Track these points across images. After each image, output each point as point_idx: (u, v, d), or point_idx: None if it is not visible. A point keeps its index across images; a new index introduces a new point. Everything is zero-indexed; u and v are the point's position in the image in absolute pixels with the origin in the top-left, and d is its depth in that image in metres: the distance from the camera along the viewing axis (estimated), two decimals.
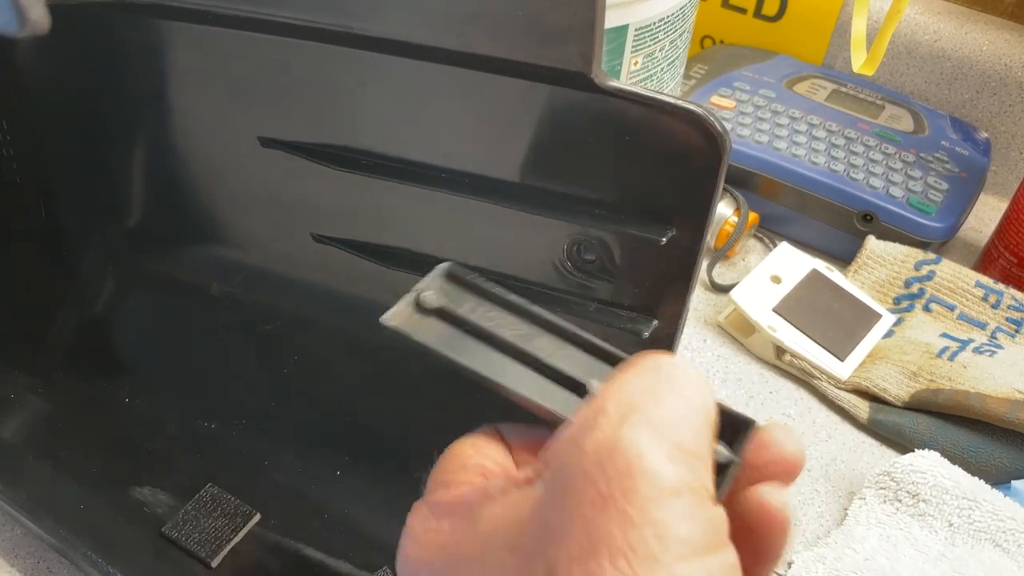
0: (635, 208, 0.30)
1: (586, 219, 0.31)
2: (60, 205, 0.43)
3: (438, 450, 0.25)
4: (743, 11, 0.65)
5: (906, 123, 0.58)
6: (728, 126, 0.56)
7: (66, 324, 0.44)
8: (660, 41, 0.37)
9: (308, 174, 0.35)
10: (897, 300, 0.51)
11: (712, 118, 0.28)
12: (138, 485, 0.39)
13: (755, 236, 0.57)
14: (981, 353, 0.47)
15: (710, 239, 0.54)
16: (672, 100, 0.28)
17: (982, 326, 0.49)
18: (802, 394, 0.48)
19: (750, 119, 0.57)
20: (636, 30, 0.35)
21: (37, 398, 0.42)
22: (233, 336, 0.41)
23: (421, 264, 0.37)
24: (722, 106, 0.58)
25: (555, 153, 0.30)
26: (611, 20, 0.34)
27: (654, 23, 0.36)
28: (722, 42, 0.68)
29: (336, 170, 0.34)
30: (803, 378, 0.48)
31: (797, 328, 0.48)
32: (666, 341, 0.31)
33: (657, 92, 0.27)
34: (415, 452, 0.39)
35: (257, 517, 0.37)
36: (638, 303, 0.32)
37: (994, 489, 0.40)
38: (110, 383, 0.42)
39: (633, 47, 0.36)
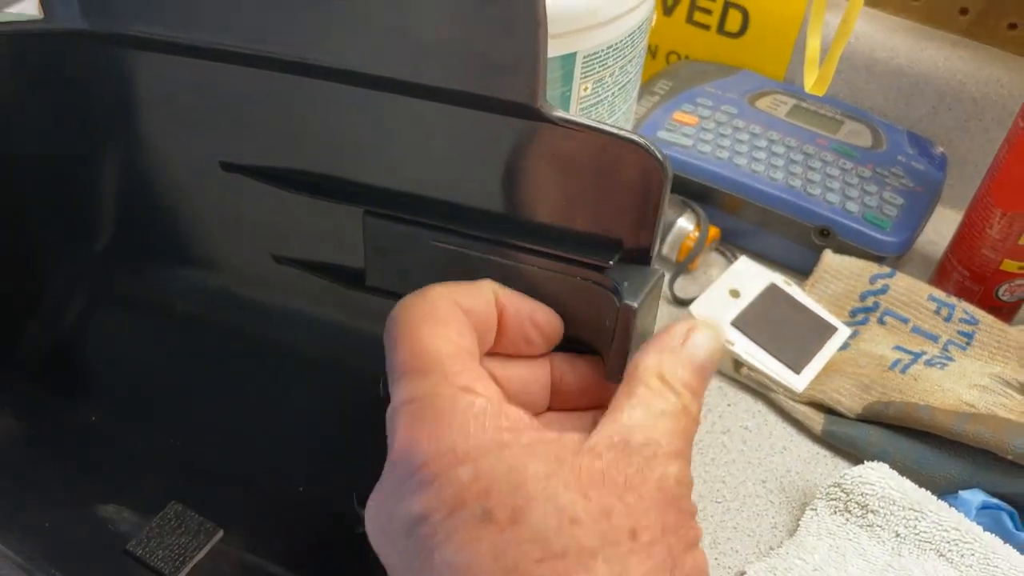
0: (581, 234, 0.31)
1: (537, 243, 0.32)
2: (29, 225, 0.43)
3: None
4: (707, 27, 0.67)
5: (864, 138, 0.60)
6: (689, 142, 0.58)
7: (33, 343, 0.45)
8: (610, 67, 0.38)
9: (268, 197, 0.36)
10: (853, 313, 0.53)
11: (653, 148, 0.29)
12: (103, 503, 0.39)
13: (717, 250, 0.58)
14: (932, 365, 0.48)
15: (671, 253, 0.56)
16: (614, 130, 0.28)
17: (934, 339, 0.51)
18: (760, 407, 0.49)
19: (711, 135, 0.58)
20: (584, 57, 0.36)
21: (2, 416, 0.43)
22: (198, 356, 0.42)
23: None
24: (685, 121, 0.59)
25: (505, 180, 0.31)
26: (558, 48, 0.35)
27: (602, 50, 0.37)
28: (687, 58, 0.69)
29: (294, 194, 0.35)
30: (760, 391, 0.49)
31: (754, 342, 0.49)
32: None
33: (600, 122, 0.28)
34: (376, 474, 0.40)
35: (220, 534, 0.38)
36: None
37: (940, 500, 0.41)
38: (77, 402, 0.43)
39: (582, 74, 0.37)
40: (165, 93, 0.35)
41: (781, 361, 0.49)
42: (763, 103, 0.62)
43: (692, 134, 0.58)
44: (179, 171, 0.38)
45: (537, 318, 0.30)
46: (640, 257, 0.31)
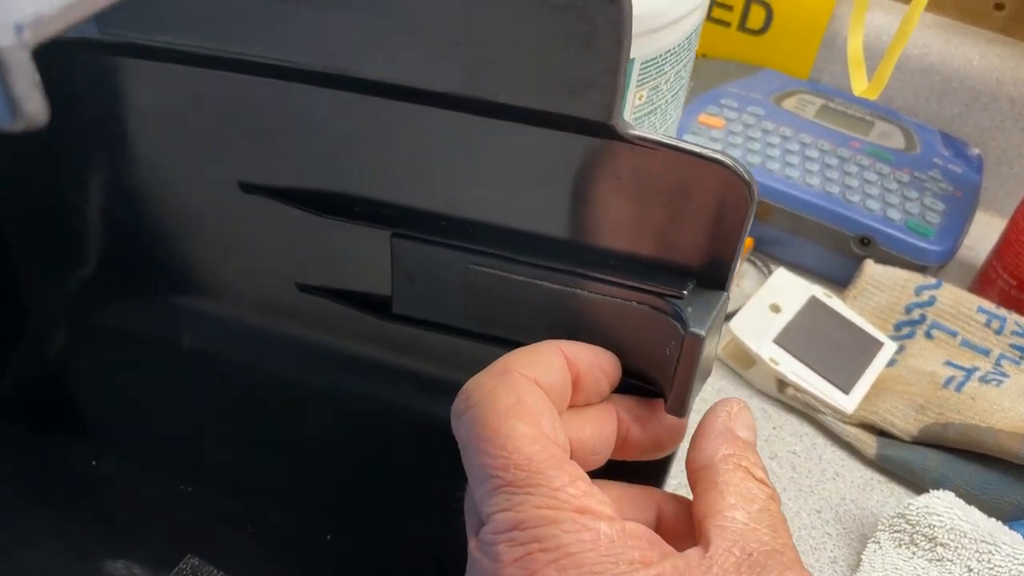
0: (653, 259, 0.28)
1: (601, 271, 0.28)
2: (16, 252, 0.39)
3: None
4: (727, 24, 0.64)
5: (897, 140, 0.57)
6: (718, 146, 0.55)
7: (23, 378, 0.41)
8: (666, 73, 0.35)
9: (294, 221, 0.32)
10: (898, 326, 0.50)
11: (740, 167, 0.26)
12: (111, 558, 0.36)
13: (749, 260, 0.55)
14: (987, 382, 0.45)
15: None
16: (698, 149, 0.25)
17: (986, 353, 0.48)
18: (807, 429, 0.46)
19: (741, 138, 0.56)
20: (642, 64, 0.33)
21: None
22: (208, 392, 0.38)
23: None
24: (711, 124, 0.56)
25: (567, 202, 0.28)
26: None
27: (660, 55, 0.33)
28: (705, 56, 0.66)
29: (325, 218, 0.31)
30: (807, 412, 0.46)
31: (800, 360, 0.46)
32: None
33: (681, 140, 0.25)
34: (408, 519, 0.37)
35: None
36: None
37: (1012, 530, 0.39)
38: (74, 442, 0.39)
39: (639, 81, 0.34)
40: (177, 108, 0.32)
41: (828, 380, 0.46)
42: (789, 103, 0.59)
43: (720, 138, 0.55)
44: (190, 193, 0.34)
45: (605, 367, 0.27)
46: (714, 286, 0.28)
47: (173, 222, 0.36)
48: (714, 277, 0.28)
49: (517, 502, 0.21)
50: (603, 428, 0.27)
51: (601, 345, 0.28)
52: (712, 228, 0.27)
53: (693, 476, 0.25)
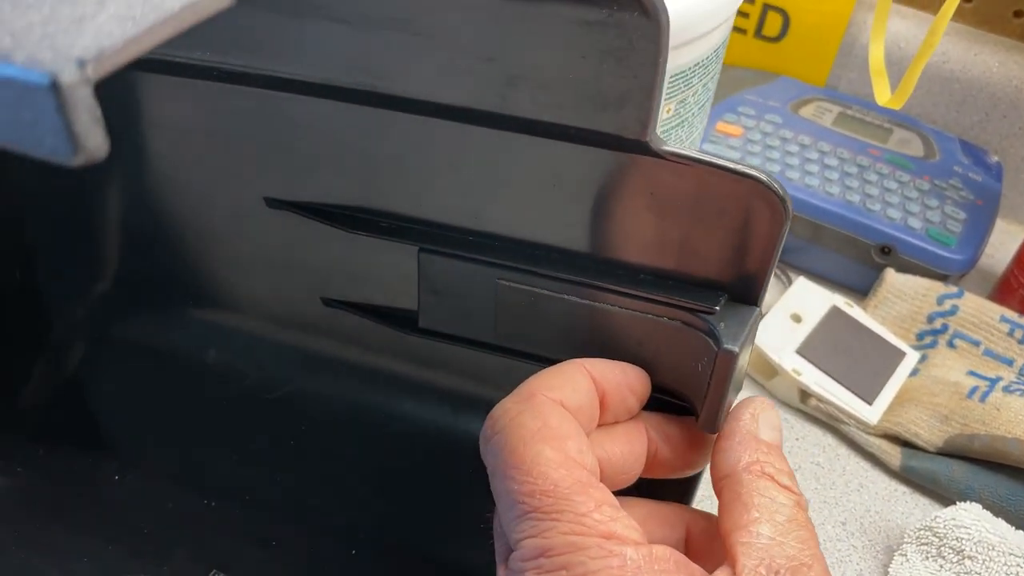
0: (684, 275, 0.28)
1: (632, 286, 0.28)
2: (39, 266, 0.39)
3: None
4: (743, 31, 0.63)
5: (916, 147, 0.57)
6: (737, 155, 0.54)
7: (43, 392, 0.41)
8: (694, 86, 0.34)
9: (320, 236, 0.32)
10: (920, 336, 0.50)
11: (776, 184, 0.25)
12: (133, 574, 0.35)
13: None
14: (1012, 392, 0.45)
15: None
16: (732, 165, 0.25)
17: (1009, 362, 0.48)
18: (830, 440, 0.46)
19: (759, 147, 0.55)
20: (671, 77, 0.33)
21: (12, 477, 0.39)
22: (233, 407, 0.38)
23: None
24: (729, 132, 0.56)
25: (598, 217, 0.28)
26: None
27: (689, 68, 0.33)
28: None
29: (352, 233, 0.31)
30: (830, 423, 0.46)
31: (822, 370, 0.46)
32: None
33: (715, 156, 0.25)
34: (433, 534, 0.37)
35: None
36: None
37: None
38: (97, 458, 0.39)
39: (667, 95, 0.33)
40: (203, 124, 0.31)
41: (851, 391, 0.46)
42: (807, 111, 0.59)
43: (739, 146, 0.55)
44: (215, 208, 0.34)
45: (633, 384, 0.27)
46: (745, 300, 0.28)
47: (197, 239, 0.36)
48: (746, 292, 0.28)
49: (544, 528, 0.21)
50: (633, 446, 0.26)
51: (632, 361, 0.28)
52: (745, 244, 0.27)
53: (717, 485, 0.25)
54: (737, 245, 0.27)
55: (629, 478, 0.27)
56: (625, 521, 0.22)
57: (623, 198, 0.27)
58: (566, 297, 0.29)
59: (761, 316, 0.27)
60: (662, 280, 0.28)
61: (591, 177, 0.26)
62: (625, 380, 0.27)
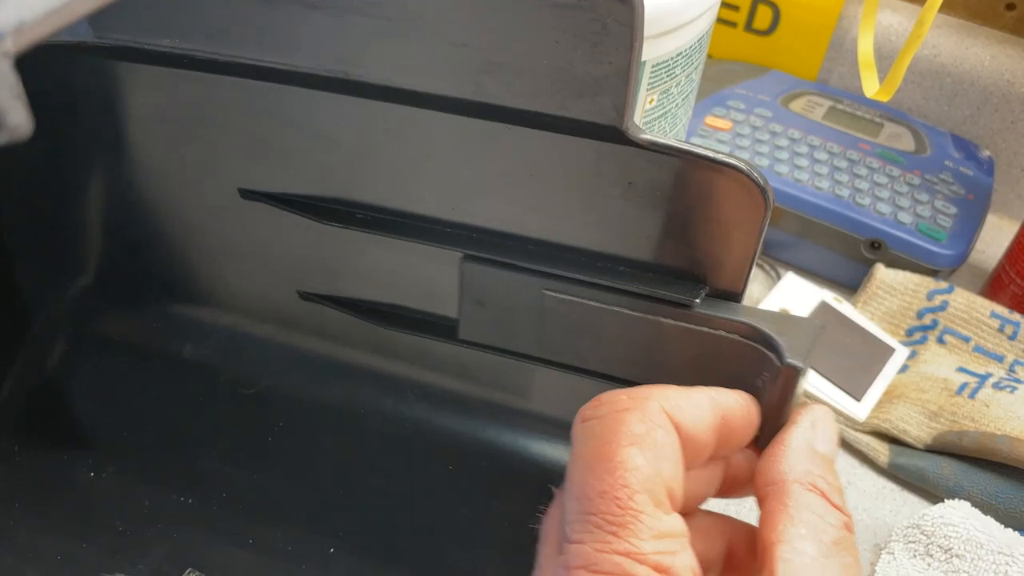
0: (664, 267, 0.28)
1: (613, 279, 0.28)
2: (15, 262, 0.38)
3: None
4: (733, 24, 0.63)
5: (907, 142, 0.56)
6: (725, 149, 0.54)
7: (17, 389, 0.40)
8: (676, 76, 0.34)
9: (295, 228, 0.32)
10: (909, 332, 0.49)
11: (755, 171, 0.25)
12: (108, 573, 0.35)
13: (757, 264, 0.54)
14: (1001, 389, 0.45)
15: None
16: (711, 154, 0.25)
17: (999, 359, 0.47)
18: None
19: (748, 141, 0.55)
20: (653, 67, 0.32)
21: None
22: (209, 402, 0.38)
23: (420, 324, 0.34)
24: (718, 127, 0.56)
25: (576, 208, 0.27)
26: None
27: (671, 58, 0.33)
28: (711, 57, 0.65)
29: (328, 225, 0.31)
30: None
31: (811, 367, 0.45)
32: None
33: (694, 145, 0.25)
34: (410, 532, 0.36)
35: None
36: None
37: None
38: (73, 454, 0.38)
39: (649, 85, 0.33)
40: (176, 113, 0.31)
41: (840, 387, 0.45)
42: (797, 105, 0.58)
43: (728, 140, 0.55)
44: (190, 200, 0.34)
45: (752, 425, 0.24)
46: (728, 294, 0.28)
47: (173, 232, 0.35)
48: (729, 284, 0.27)
49: (599, 538, 0.19)
50: (713, 481, 0.25)
51: (687, 376, 0.25)
52: (726, 234, 0.26)
53: (762, 491, 0.22)
54: (717, 235, 0.26)
55: (700, 502, 0.25)
56: (686, 559, 0.20)
57: (600, 187, 0.26)
58: (553, 294, 0.28)
59: (823, 329, 0.25)
60: (638, 271, 0.28)
61: (567, 166, 0.26)
62: (750, 425, 0.24)
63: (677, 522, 0.20)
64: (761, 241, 0.26)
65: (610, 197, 0.26)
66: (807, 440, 0.23)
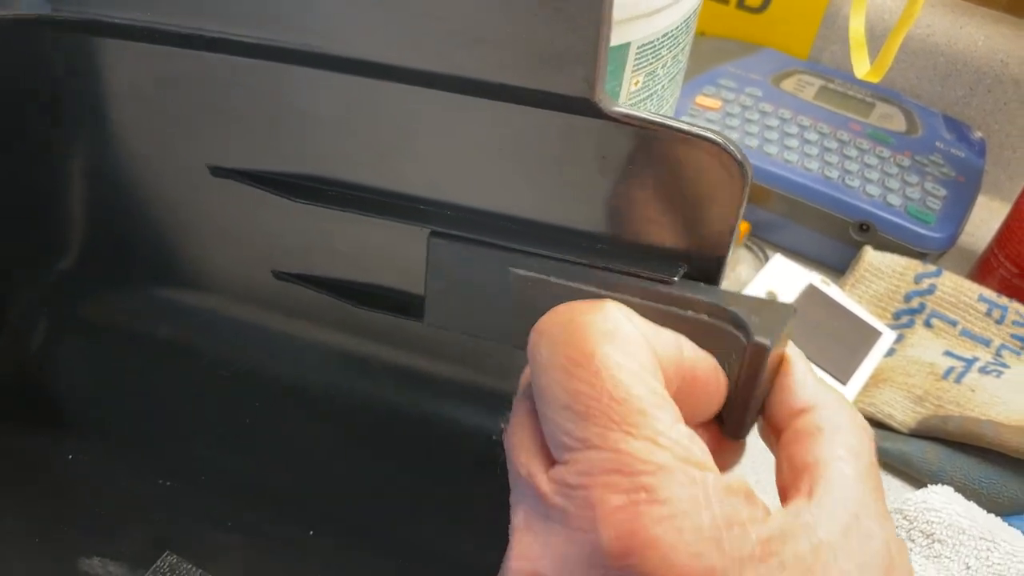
0: (643, 244, 0.27)
1: (589, 257, 0.27)
2: None
3: None
4: (725, 1, 0.62)
5: (898, 122, 0.56)
6: (715, 128, 0.53)
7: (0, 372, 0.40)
8: (663, 57, 0.33)
9: (267, 206, 0.31)
10: (897, 315, 0.49)
11: (732, 146, 0.24)
12: (86, 555, 0.35)
13: (745, 246, 0.54)
14: (987, 373, 0.44)
15: None
16: (686, 127, 0.24)
17: (986, 343, 0.47)
18: None
19: (738, 120, 0.54)
20: (638, 48, 0.31)
21: None
22: (187, 384, 0.37)
23: (396, 303, 0.33)
24: (708, 106, 0.55)
25: (552, 184, 0.27)
26: (612, 38, 0.30)
27: (657, 39, 0.32)
28: (702, 34, 0.64)
29: (299, 202, 0.30)
30: None
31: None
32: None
33: (668, 118, 0.24)
34: (390, 513, 0.36)
35: None
36: None
37: (1011, 527, 0.38)
38: (50, 438, 0.38)
39: (634, 66, 0.32)
40: (145, 89, 0.30)
41: (826, 371, 0.45)
42: (788, 84, 0.58)
43: (717, 120, 0.54)
44: (162, 178, 0.33)
45: (721, 385, 0.23)
46: (708, 273, 0.27)
47: (146, 211, 0.35)
48: (708, 263, 0.27)
49: (616, 440, 0.17)
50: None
51: None
52: (704, 211, 0.26)
53: (783, 422, 0.21)
54: (695, 211, 0.26)
55: None
56: (701, 444, 0.18)
57: (572, 162, 0.26)
58: (518, 271, 0.27)
59: (796, 313, 0.25)
60: (618, 250, 0.27)
61: (540, 140, 0.25)
62: (716, 383, 0.22)
63: (677, 409, 0.19)
64: (740, 216, 0.25)
65: (584, 172, 0.25)
66: (812, 371, 0.22)
